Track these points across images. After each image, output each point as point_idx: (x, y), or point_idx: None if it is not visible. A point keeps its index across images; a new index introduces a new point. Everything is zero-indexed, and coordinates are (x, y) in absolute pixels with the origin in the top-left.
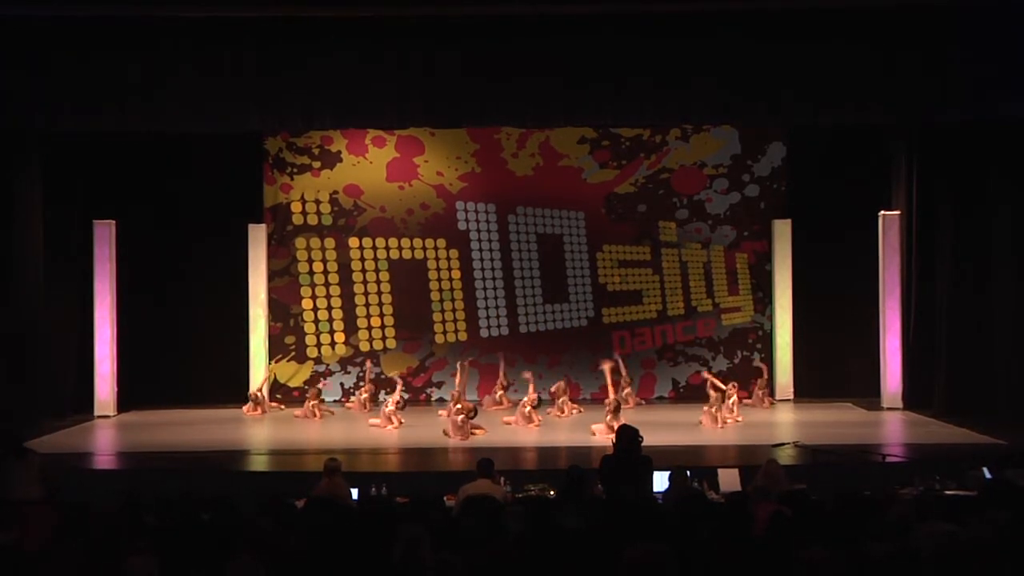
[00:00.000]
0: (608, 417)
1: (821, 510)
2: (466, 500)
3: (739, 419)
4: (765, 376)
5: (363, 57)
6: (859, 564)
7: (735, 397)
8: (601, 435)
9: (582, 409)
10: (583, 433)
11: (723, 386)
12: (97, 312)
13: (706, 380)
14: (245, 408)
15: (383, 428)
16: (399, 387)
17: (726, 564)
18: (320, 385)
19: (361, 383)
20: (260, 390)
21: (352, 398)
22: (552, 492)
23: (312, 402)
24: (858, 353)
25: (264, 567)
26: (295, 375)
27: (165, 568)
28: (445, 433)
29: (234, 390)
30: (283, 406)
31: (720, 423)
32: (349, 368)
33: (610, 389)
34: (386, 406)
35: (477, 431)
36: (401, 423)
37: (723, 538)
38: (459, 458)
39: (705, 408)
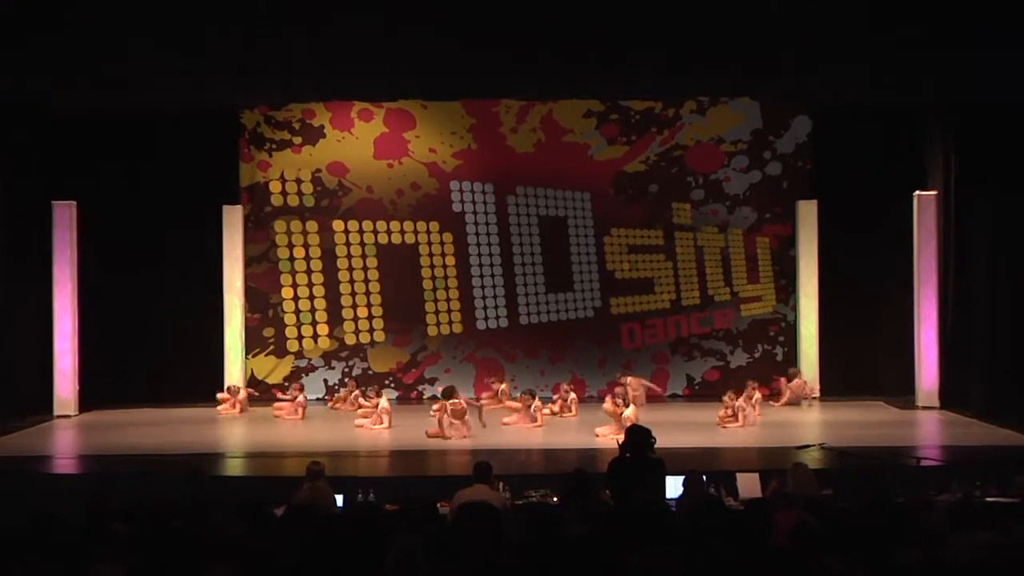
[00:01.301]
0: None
1: (848, 519)
2: (461, 507)
3: (757, 418)
4: (800, 379)
5: (349, 22)
6: (883, 575)
7: (757, 395)
8: (604, 437)
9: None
10: (587, 434)
11: (738, 403)
12: (57, 302)
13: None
14: (220, 408)
15: (371, 428)
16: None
17: None
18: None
19: (347, 379)
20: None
21: (336, 395)
22: (555, 498)
23: (298, 396)
24: (890, 347)
25: None
26: (274, 371)
27: None
28: (436, 434)
29: (208, 387)
30: (286, 396)
31: (742, 420)
32: (333, 363)
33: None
34: (371, 400)
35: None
36: (391, 424)
37: (740, 548)
38: (454, 461)
39: (723, 410)
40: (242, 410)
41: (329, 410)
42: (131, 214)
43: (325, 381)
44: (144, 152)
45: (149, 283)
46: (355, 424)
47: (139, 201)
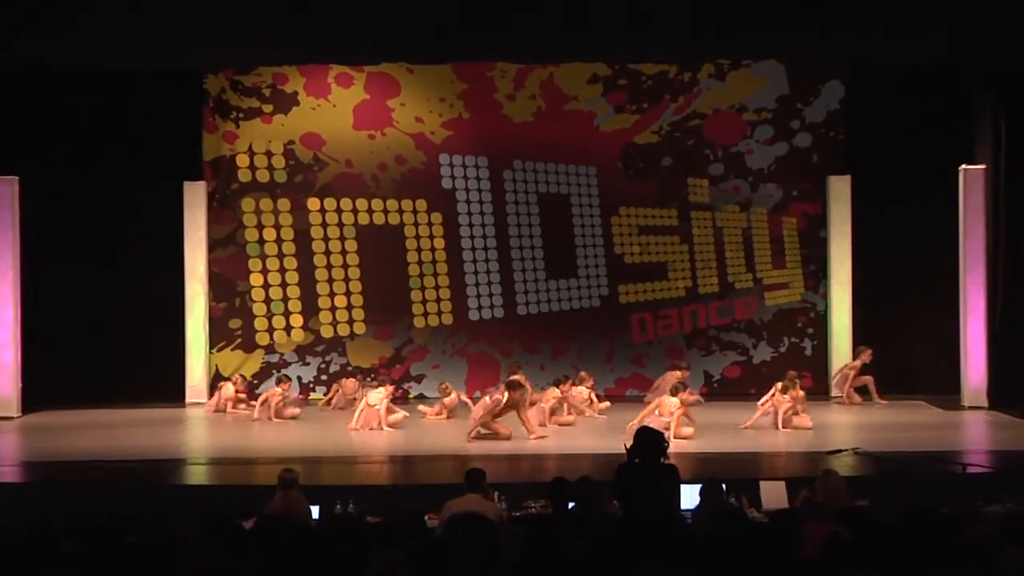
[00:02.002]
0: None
1: (885, 532)
2: (451, 519)
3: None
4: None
5: None
6: None
7: (800, 393)
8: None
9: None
10: (596, 437)
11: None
12: None
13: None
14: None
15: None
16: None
17: None
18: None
19: (323, 376)
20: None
21: (313, 394)
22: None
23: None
24: (933, 339)
25: None
26: (242, 367)
27: None
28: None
29: (168, 386)
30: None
31: (781, 423)
32: (308, 359)
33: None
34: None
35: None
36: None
37: (764, 564)
38: (443, 468)
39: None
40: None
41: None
42: (81, 192)
43: (299, 379)
44: (95, 122)
45: (101, 269)
46: (350, 428)
47: (90, 177)
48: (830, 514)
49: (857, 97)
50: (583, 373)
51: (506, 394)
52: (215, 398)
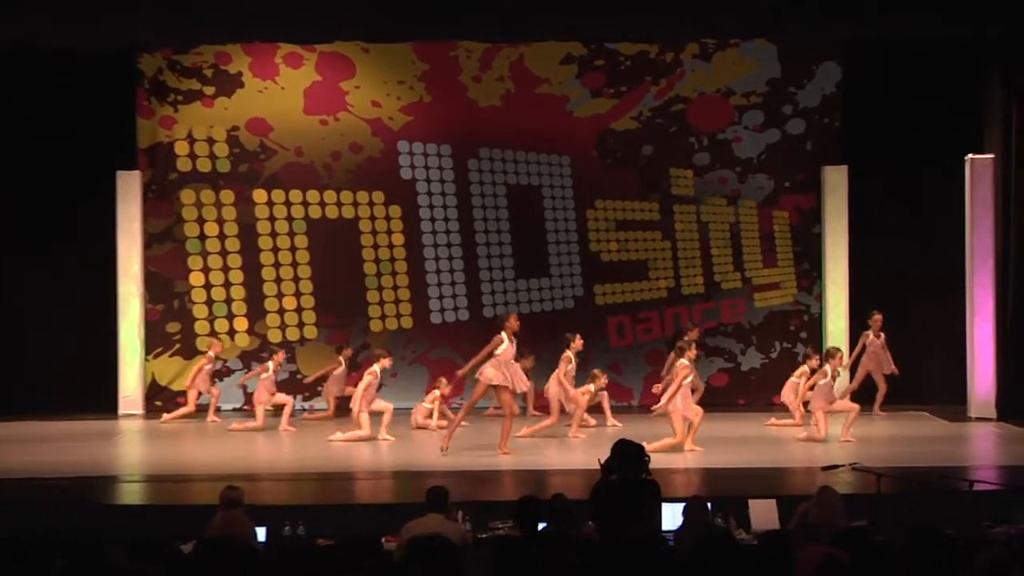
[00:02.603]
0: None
1: (887, 554)
2: (412, 542)
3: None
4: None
5: None
6: None
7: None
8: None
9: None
10: (570, 453)
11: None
12: None
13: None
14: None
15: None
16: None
17: None
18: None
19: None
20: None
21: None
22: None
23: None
24: (937, 345)
25: None
26: (180, 376)
27: None
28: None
29: (98, 395)
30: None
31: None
32: (254, 365)
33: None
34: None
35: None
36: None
37: None
38: (402, 486)
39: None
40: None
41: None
42: (2, 183)
43: (243, 388)
44: (16, 107)
45: (24, 268)
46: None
47: (11, 168)
48: (826, 535)
49: (855, 80)
50: (596, 371)
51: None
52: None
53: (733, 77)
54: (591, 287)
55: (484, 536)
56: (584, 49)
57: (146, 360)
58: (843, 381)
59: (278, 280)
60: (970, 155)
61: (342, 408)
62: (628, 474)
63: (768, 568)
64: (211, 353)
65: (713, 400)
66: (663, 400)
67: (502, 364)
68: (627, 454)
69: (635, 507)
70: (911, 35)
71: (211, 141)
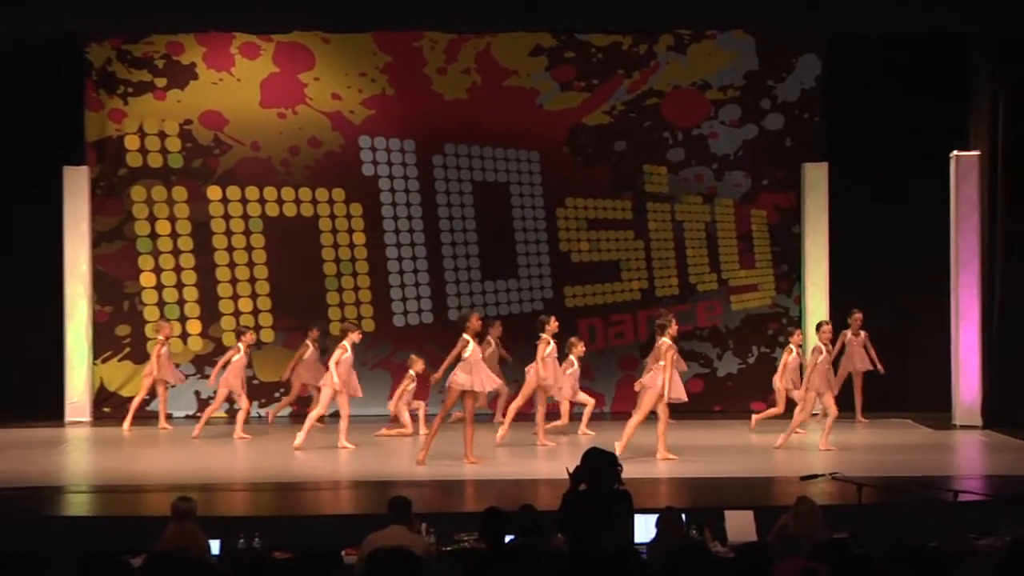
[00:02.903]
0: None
1: (868, 568)
2: (373, 555)
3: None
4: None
5: None
6: None
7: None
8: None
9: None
10: (541, 461)
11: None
12: None
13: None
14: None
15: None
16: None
17: None
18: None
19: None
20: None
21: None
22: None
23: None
24: (920, 350)
25: None
26: (130, 381)
27: None
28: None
29: (44, 401)
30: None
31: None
32: (207, 370)
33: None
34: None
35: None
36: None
37: None
38: (363, 496)
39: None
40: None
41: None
42: None
43: (197, 394)
44: None
45: None
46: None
47: None
48: (805, 548)
49: (835, 74)
50: (573, 339)
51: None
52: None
53: (709, 70)
54: (561, 289)
55: (449, 549)
56: (554, 40)
57: (94, 364)
58: None
59: (233, 281)
60: (955, 152)
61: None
62: (599, 484)
63: None
64: (161, 336)
65: (688, 407)
66: (660, 386)
67: (472, 366)
68: (598, 463)
69: (606, 519)
70: (895, 27)
71: (163, 135)
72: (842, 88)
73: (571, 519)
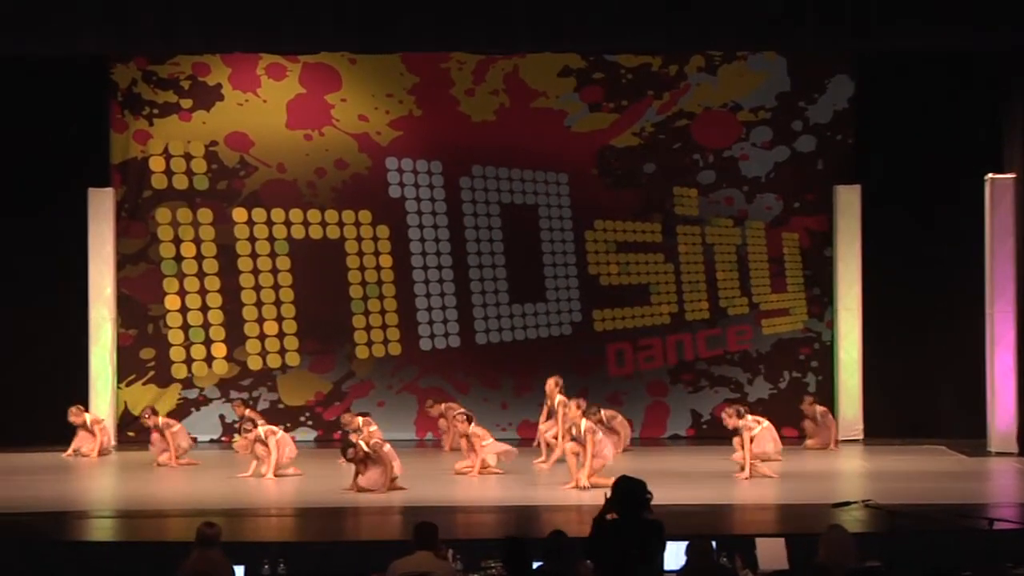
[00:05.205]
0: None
1: None
2: None
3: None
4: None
5: None
6: None
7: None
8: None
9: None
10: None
11: (747, 446)
12: None
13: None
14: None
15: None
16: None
17: None
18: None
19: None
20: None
21: (238, 437)
22: None
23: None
24: (955, 375)
25: None
26: (155, 404)
27: None
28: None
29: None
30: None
31: (747, 470)
32: (232, 394)
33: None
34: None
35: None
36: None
37: None
38: (388, 522)
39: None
40: (102, 451)
41: (229, 453)
42: None
43: (222, 418)
44: None
45: None
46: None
47: None
48: None
49: (868, 95)
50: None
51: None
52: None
53: (740, 91)
54: (589, 312)
55: None
56: (582, 61)
57: (118, 388)
58: None
59: (259, 304)
60: (990, 174)
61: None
62: (629, 513)
63: None
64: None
65: (718, 432)
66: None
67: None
68: (628, 492)
69: (637, 549)
70: (928, 48)
71: (188, 157)
72: (875, 110)
73: (601, 548)
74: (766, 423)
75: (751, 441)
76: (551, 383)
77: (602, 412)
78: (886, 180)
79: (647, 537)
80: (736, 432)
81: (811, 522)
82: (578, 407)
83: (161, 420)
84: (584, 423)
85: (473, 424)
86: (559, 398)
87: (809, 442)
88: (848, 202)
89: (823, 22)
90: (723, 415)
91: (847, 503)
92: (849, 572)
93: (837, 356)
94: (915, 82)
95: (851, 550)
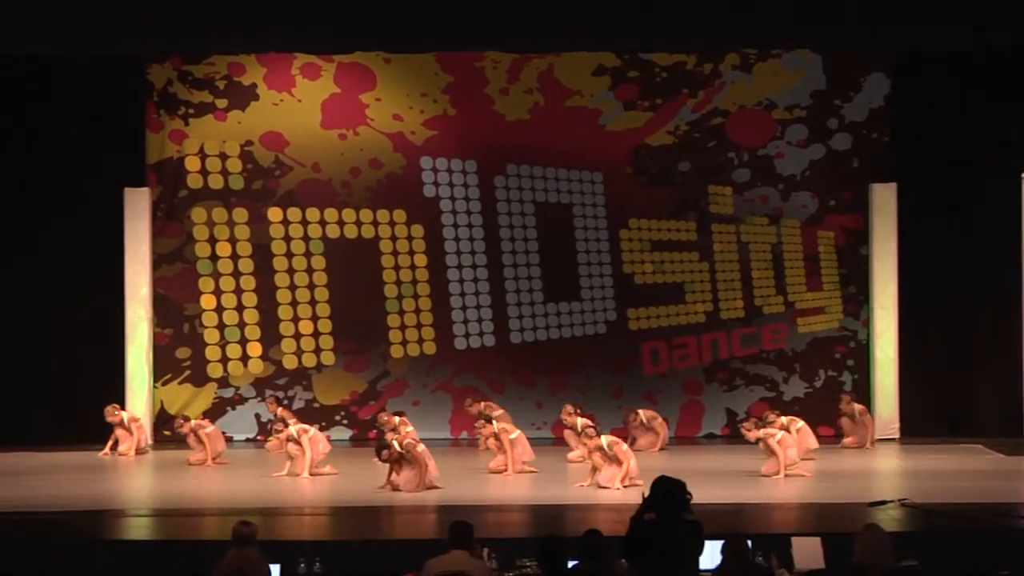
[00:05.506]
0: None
1: None
2: None
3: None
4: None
5: None
6: None
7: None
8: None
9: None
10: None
11: (778, 449)
12: None
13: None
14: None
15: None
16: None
17: None
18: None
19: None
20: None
21: (272, 437)
22: None
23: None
24: (992, 374)
25: None
26: (191, 403)
27: None
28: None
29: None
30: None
31: (781, 470)
32: (268, 393)
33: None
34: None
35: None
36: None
37: None
38: (423, 521)
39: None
40: (138, 450)
41: (267, 453)
42: (2, 200)
43: (257, 417)
44: (18, 117)
45: (24, 288)
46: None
47: (12, 181)
48: None
49: (904, 92)
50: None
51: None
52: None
53: (775, 89)
54: (624, 311)
55: (510, 575)
56: (617, 60)
57: (154, 387)
58: None
59: (294, 303)
60: None
61: None
62: (668, 513)
63: None
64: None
65: None
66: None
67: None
68: (667, 492)
69: (675, 550)
70: (964, 45)
71: (224, 156)
72: (911, 107)
73: (638, 547)
74: (801, 423)
75: (779, 445)
76: (567, 413)
77: (641, 413)
78: (923, 177)
79: (686, 537)
80: (759, 442)
81: (847, 521)
82: (595, 431)
83: (194, 422)
84: (605, 440)
85: (495, 421)
86: (579, 422)
87: (846, 441)
88: (884, 200)
89: (861, 21)
90: (742, 431)
91: (883, 502)
92: (885, 572)
93: (873, 354)
94: (951, 80)
95: (887, 549)
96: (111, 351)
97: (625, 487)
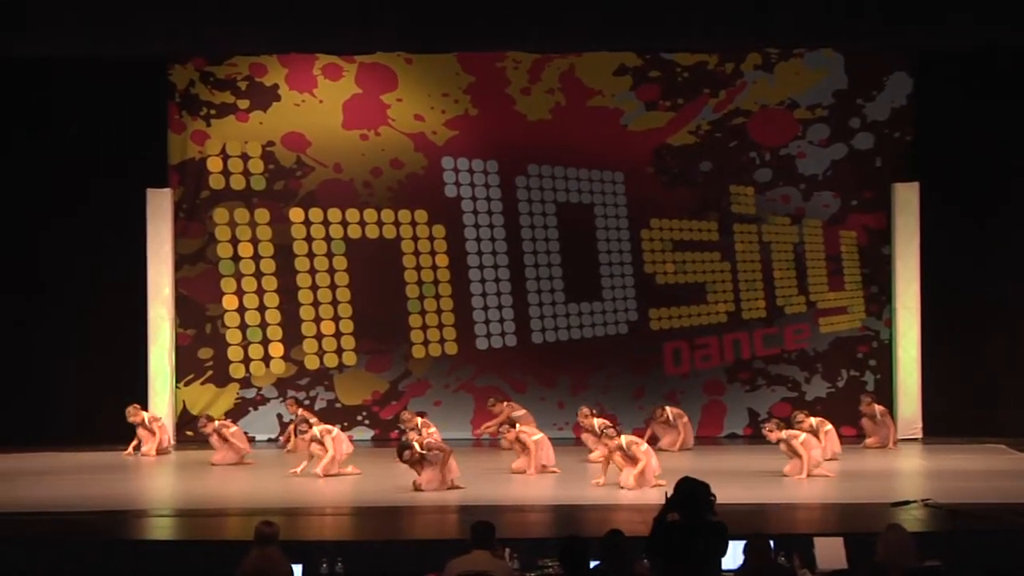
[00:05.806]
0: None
1: None
2: None
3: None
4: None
5: None
6: None
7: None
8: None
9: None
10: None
11: (802, 451)
12: None
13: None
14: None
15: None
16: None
17: None
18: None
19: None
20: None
21: (293, 439)
22: None
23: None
24: (1015, 373)
25: None
26: (213, 404)
27: None
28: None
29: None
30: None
31: (805, 471)
32: (290, 393)
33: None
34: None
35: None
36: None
37: None
38: (446, 521)
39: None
40: (161, 450)
41: (285, 453)
42: (26, 200)
43: (279, 417)
44: (41, 118)
45: (47, 288)
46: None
47: (35, 182)
48: None
49: (926, 92)
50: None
51: None
52: None
53: (797, 89)
54: (646, 311)
55: (532, 575)
56: (638, 60)
57: (177, 388)
58: None
59: (315, 304)
60: None
61: None
62: (692, 514)
63: None
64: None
65: None
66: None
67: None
68: (691, 493)
69: (698, 551)
70: (986, 43)
71: (245, 157)
72: (933, 106)
73: (661, 548)
74: (829, 426)
75: (803, 446)
76: (582, 415)
77: (668, 410)
78: (945, 177)
79: (710, 538)
80: (780, 443)
81: (870, 521)
82: (614, 431)
83: (217, 422)
84: (624, 440)
85: (518, 425)
86: (597, 423)
87: (868, 441)
88: (906, 200)
89: (886, 21)
90: (764, 432)
91: (906, 502)
92: (908, 572)
93: (896, 354)
94: (973, 79)
95: (910, 550)
96: (133, 351)
97: (641, 487)
